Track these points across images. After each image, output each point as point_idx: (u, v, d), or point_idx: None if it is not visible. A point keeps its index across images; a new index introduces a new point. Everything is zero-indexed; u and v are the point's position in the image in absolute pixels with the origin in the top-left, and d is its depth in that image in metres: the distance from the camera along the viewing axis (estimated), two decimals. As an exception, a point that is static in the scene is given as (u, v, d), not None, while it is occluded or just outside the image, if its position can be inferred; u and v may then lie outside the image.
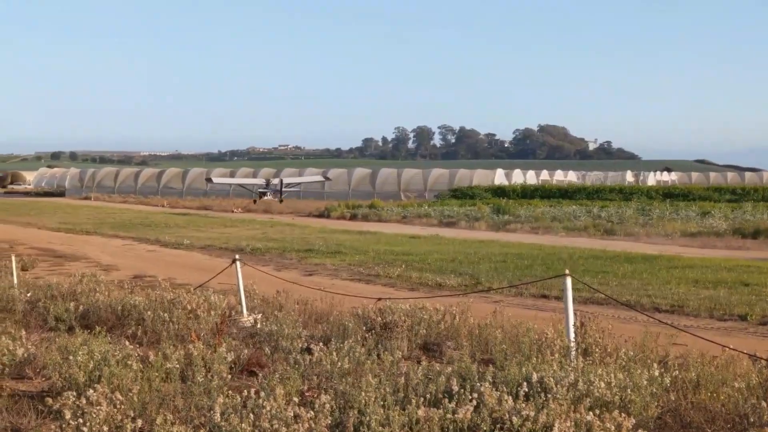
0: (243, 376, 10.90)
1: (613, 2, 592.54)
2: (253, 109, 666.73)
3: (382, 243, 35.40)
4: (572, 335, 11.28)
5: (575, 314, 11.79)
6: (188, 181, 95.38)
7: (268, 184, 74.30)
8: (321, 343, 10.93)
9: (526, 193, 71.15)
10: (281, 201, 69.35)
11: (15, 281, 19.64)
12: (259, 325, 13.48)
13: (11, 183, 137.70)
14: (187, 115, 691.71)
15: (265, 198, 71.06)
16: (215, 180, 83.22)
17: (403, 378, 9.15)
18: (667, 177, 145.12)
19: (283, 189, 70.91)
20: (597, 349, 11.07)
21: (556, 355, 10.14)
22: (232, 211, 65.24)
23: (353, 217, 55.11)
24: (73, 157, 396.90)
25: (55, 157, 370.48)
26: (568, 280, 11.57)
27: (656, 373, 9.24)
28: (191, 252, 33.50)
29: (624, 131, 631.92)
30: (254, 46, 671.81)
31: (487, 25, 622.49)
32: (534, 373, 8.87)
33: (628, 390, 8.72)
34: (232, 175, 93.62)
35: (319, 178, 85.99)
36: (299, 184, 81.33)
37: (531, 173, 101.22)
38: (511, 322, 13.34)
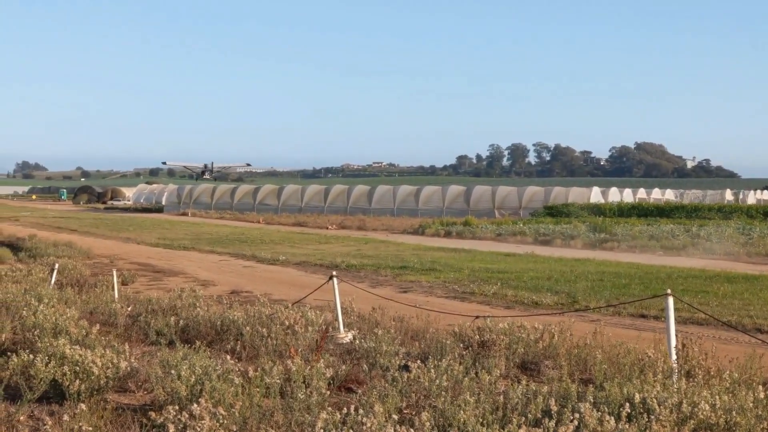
0: (341, 392, 10.92)
1: (713, 20, 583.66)
2: (349, 126, 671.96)
3: (477, 260, 35.24)
4: (674, 356, 11.10)
5: (676, 335, 11.60)
6: (283, 198, 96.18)
7: (205, 167, 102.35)
8: (418, 361, 10.89)
9: (623, 212, 70.09)
10: (215, 179, 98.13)
11: (116, 295, 20.01)
12: (356, 342, 13.49)
13: (111, 199, 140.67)
14: (283, 133, 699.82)
15: (204, 177, 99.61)
16: (168, 163, 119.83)
17: (502, 397, 9.08)
18: (767, 195, 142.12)
19: (214, 170, 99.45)
20: (700, 371, 10.87)
21: (659, 376, 9.96)
22: (327, 228, 65.59)
23: (447, 235, 54.97)
24: (171, 173, 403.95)
25: (154, 174, 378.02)
26: (670, 300, 11.38)
27: (761, 395, 9.02)
28: (287, 268, 33.72)
29: (723, 149, 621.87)
30: (350, 66, 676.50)
31: (583, 42, 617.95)
32: (636, 393, 8.73)
33: (733, 412, 8.53)
34: (326, 192, 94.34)
35: (242, 163, 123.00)
36: (228, 167, 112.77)
37: (627, 191, 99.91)
38: (610, 341, 13.18)
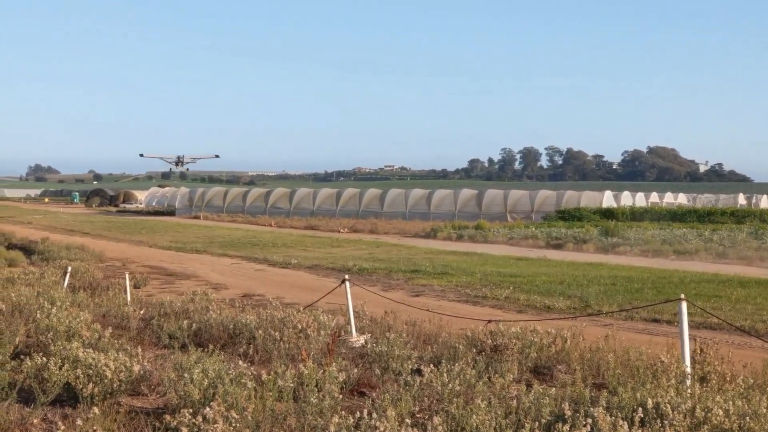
0: (353, 396, 10.92)
1: (725, 22, 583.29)
2: (360, 130, 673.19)
3: (489, 264, 35.21)
4: (688, 360, 11.06)
5: (689, 339, 11.56)
6: (295, 201, 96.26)
7: (179, 158, 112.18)
8: (431, 365, 10.89)
9: (635, 216, 69.90)
10: (187, 170, 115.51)
11: (128, 299, 20.02)
12: (368, 346, 13.47)
13: (123, 202, 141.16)
14: (294, 136, 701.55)
15: (178, 167, 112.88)
16: (146, 155, 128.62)
17: (514, 401, 9.07)
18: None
19: (185, 161, 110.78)
20: (714, 376, 10.84)
21: (672, 381, 9.93)
22: (339, 231, 65.59)
23: (459, 238, 54.93)
24: (183, 176, 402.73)
25: (166, 177, 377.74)
26: (683, 305, 11.32)
27: (775, 401, 8.99)
28: (298, 271, 33.74)
29: (736, 153, 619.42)
30: (360, 67, 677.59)
31: (594, 45, 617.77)
32: (649, 398, 8.70)
33: (747, 418, 8.50)
34: (338, 196, 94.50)
35: (211, 155, 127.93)
36: (198, 159, 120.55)
37: (640, 195, 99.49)
38: (623, 346, 13.15)
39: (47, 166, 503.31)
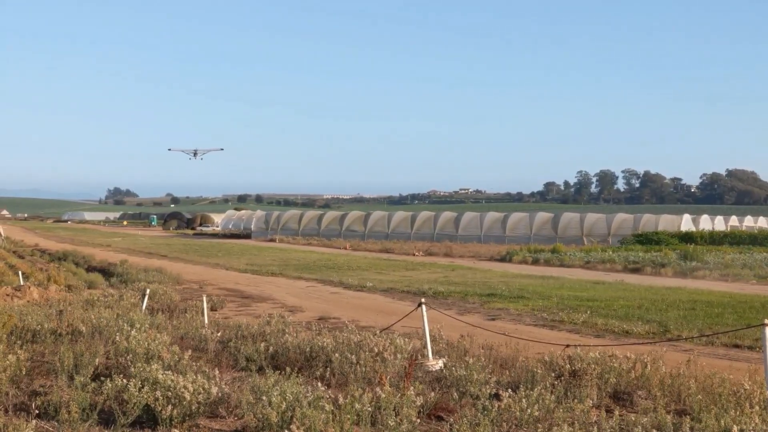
0: (431, 420, 10.84)
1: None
2: (435, 153, 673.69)
3: (566, 288, 34.90)
4: (771, 387, 10.83)
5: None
6: (370, 224, 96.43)
7: (195, 151, 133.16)
8: (509, 390, 10.79)
9: (715, 239, 68.74)
10: (201, 159, 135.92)
11: (206, 321, 20.17)
12: (446, 370, 13.39)
13: (200, 225, 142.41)
14: (369, 160, 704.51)
15: (195, 157, 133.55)
16: (173, 148, 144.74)
17: (595, 427, 8.95)
18: None
19: (199, 152, 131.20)
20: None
21: (756, 408, 9.73)
22: (413, 255, 65.49)
23: (535, 262, 54.61)
24: (259, 199, 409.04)
25: (242, 200, 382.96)
26: (767, 330, 11.10)
27: None
28: (373, 294, 33.74)
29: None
30: (436, 93, 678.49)
31: (672, 69, 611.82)
32: (734, 425, 8.54)
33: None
34: (413, 219, 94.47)
35: (217, 147, 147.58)
36: (208, 150, 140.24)
37: (719, 219, 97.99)
38: (704, 372, 12.92)
39: (126, 189, 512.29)
